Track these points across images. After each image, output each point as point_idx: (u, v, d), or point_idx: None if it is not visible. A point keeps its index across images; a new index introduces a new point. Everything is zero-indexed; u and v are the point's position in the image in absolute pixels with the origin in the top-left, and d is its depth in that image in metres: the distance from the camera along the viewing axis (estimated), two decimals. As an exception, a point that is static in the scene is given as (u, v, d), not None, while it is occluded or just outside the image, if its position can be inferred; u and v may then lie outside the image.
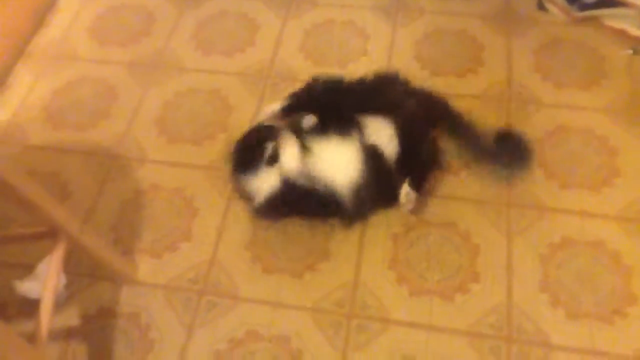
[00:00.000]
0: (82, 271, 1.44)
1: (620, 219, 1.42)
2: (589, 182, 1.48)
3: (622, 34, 1.72)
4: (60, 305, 1.37)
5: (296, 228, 1.47)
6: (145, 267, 1.45)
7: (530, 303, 1.32)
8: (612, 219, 1.42)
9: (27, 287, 1.31)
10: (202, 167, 1.59)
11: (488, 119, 1.60)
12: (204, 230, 1.49)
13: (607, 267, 1.35)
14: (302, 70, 1.75)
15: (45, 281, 1.15)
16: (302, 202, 1.41)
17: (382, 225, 1.46)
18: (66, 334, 1.37)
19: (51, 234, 1.19)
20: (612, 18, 1.73)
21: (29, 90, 1.82)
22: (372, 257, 1.42)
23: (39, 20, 1.98)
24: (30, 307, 1.22)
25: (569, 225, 1.42)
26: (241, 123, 1.64)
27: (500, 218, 1.44)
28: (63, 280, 1.35)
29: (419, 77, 1.69)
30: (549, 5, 1.80)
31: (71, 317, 1.38)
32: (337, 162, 1.38)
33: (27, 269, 1.34)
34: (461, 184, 1.50)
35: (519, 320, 1.30)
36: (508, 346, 1.27)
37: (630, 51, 1.69)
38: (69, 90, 1.81)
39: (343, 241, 1.44)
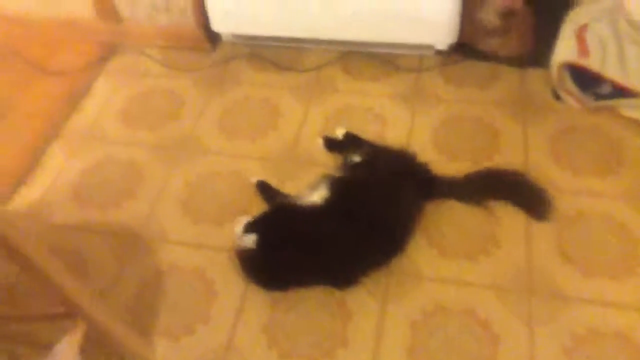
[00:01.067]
0: (98, 352, 1.43)
1: (644, 310, 1.39)
2: (611, 270, 1.46)
3: (636, 123, 1.75)
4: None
5: (315, 312, 1.46)
6: (162, 350, 1.44)
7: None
8: (635, 309, 1.39)
9: (43, 368, 1.31)
10: (223, 249, 1.61)
11: (504, 206, 1.61)
12: (223, 313, 1.49)
13: (632, 358, 1.31)
14: (321, 155, 1.80)
15: (62, 363, 1.15)
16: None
17: (400, 312, 1.44)
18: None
19: (70, 314, 1.20)
20: (627, 108, 1.77)
21: (60, 170, 1.89)
22: (391, 344, 1.39)
23: (74, 104, 2.09)
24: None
25: (592, 315, 1.39)
26: (263, 206, 1.67)
27: (520, 307, 1.42)
28: (79, 361, 1.34)
29: (437, 162, 1.71)
30: (564, 95, 1.85)
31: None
32: None
33: (46, 349, 1.33)
34: (480, 270, 1.49)
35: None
36: None
37: (645, 140, 1.72)
38: (97, 170, 1.87)
39: (360, 328, 1.42)
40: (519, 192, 1.64)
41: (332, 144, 1.81)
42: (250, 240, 1.48)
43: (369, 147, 1.73)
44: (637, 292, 1.42)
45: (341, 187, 1.55)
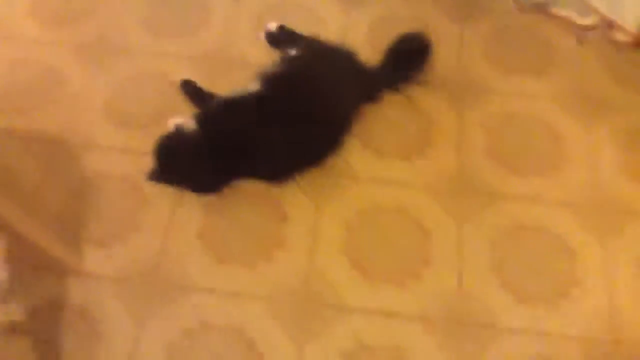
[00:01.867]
0: (26, 263, 1.38)
1: (567, 204, 1.46)
2: (538, 168, 1.52)
3: (569, 24, 1.76)
4: (6, 298, 1.31)
5: (250, 214, 1.46)
6: (93, 258, 1.40)
7: (480, 286, 1.35)
8: (559, 204, 1.46)
9: (-34, 281, 1.26)
10: (151, 154, 1.54)
11: (439, 105, 1.62)
12: (155, 220, 1.45)
13: (553, 250, 1.40)
14: (254, 56, 1.72)
15: (-15, 276, 1.10)
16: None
17: (335, 212, 1.46)
18: (11, 329, 1.31)
19: (-9, 226, 1.14)
20: (560, 7, 1.77)
21: (-35, 72, 1.72)
22: (326, 244, 1.42)
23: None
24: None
25: (518, 210, 1.45)
26: (192, 106, 1.60)
27: (451, 204, 1.46)
28: (3, 273, 1.29)
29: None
30: (500, -7, 1.82)
31: (15, 311, 1.33)
32: None
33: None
34: (413, 170, 1.52)
35: (470, 302, 1.33)
36: (457, 329, 1.30)
37: (576, 41, 1.73)
38: (10, 72, 1.72)
39: (296, 230, 1.44)
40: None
41: (273, 38, 1.72)
42: (190, 124, 1.43)
43: (307, 42, 1.66)
44: (561, 188, 1.49)
45: (277, 81, 1.48)
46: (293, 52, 1.58)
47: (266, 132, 1.43)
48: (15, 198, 1.48)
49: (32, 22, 1.82)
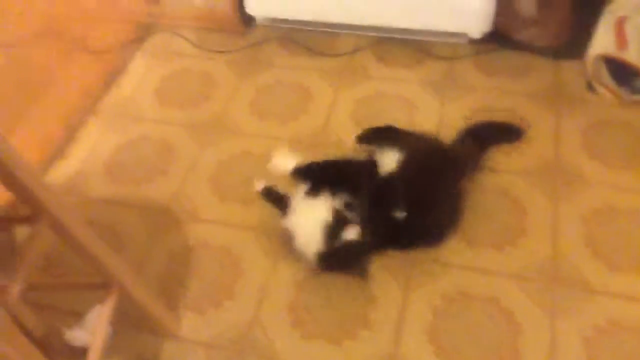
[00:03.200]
0: (128, 322, 1.48)
1: (671, 307, 1.38)
2: (639, 265, 1.45)
3: (672, 119, 1.73)
4: (104, 355, 1.40)
5: (339, 293, 1.49)
6: (188, 323, 1.48)
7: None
8: (662, 305, 1.38)
9: (75, 335, 1.36)
10: (250, 228, 1.64)
11: (535, 194, 1.61)
12: (248, 290, 1.52)
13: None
14: (350, 139, 1.81)
15: (94, 331, 1.19)
16: None
17: (423, 296, 1.46)
18: (108, 384, 1.40)
19: (105, 284, 1.25)
20: (663, 102, 1.74)
21: (95, 145, 1.94)
22: (412, 327, 1.41)
23: (110, 81, 2.14)
24: (76, 355, 1.26)
25: (616, 309, 1.38)
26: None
27: (544, 297, 1.42)
28: (110, 330, 1.39)
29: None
30: (599, 87, 1.82)
31: (114, 367, 1.42)
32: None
33: (77, 317, 1.39)
34: (505, 259, 1.50)
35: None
36: None
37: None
38: (130, 146, 1.92)
39: (383, 311, 1.45)
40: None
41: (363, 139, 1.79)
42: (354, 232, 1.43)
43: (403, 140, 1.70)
44: (664, 288, 1.41)
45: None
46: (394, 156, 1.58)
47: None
48: (124, 260, 1.61)
49: (156, 104, 2.04)
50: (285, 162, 1.66)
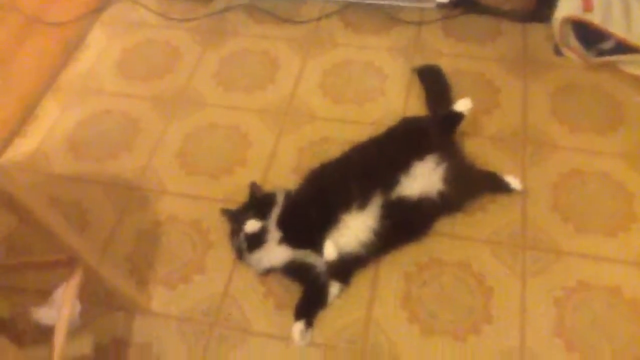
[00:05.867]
0: (97, 300, 1.45)
1: (637, 264, 1.40)
2: (606, 226, 1.47)
3: (638, 81, 1.74)
4: (74, 332, 1.38)
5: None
6: (159, 298, 1.46)
7: (543, 348, 1.30)
8: (628, 264, 1.40)
9: (42, 313, 1.33)
10: (219, 201, 1.62)
11: (504, 160, 1.61)
12: (219, 263, 1.50)
13: (623, 312, 1.34)
14: (319, 109, 1.79)
15: (60, 309, 1.16)
16: None
17: (395, 264, 1.46)
18: (79, 362, 1.38)
19: (69, 262, 1.22)
20: (629, 64, 1.75)
21: (55, 122, 1.87)
22: (385, 295, 1.41)
23: (68, 55, 2.06)
24: (44, 334, 1.23)
25: (584, 269, 1.41)
26: (259, 158, 1.67)
27: (515, 260, 1.43)
28: (78, 308, 1.36)
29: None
30: (565, 51, 1.83)
31: (84, 345, 1.39)
32: None
33: (44, 296, 1.36)
34: (476, 225, 1.50)
35: (533, 365, 1.28)
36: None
37: (646, 97, 1.70)
38: (93, 122, 1.86)
39: (356, 278, 1.44)
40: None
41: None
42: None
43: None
44: (629, 248, 1.43)
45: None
46: None
47: None
48: (90, 238, 1.58)
49: (118, 78, 1.98)
50: None
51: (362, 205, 1.38)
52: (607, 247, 1.44)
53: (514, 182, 1.54)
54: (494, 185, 1.55)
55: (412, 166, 1.43)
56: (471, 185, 1.53)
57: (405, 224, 1.43)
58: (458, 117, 1.57)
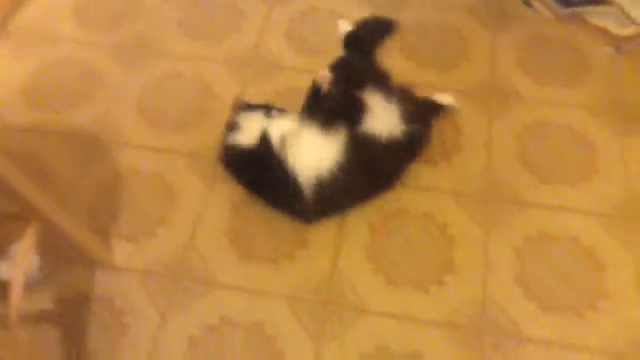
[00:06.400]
0: (57, 255, 1.42)
1: (597, 215, 1.43)
2: (568, 177, 1.49)
3: (604, 33, 1.73)
4: (33, 287, 1.35)
5: (275, 215, 1.47)
6: (121, 252, 1.43)
7: (505, 296, 1.33)
8: (588, 214, 1.43)
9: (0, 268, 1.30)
10: (183, 153, 1.58)
11: (470, 112, 1.61)
12: (182, 216, 1.48)
13: (581, 261, 1.37)
14: (286, 58, 1.75)
15: (15, 262, 1.13)
16: (263, 173, 1.43)
17: (360, 215, 1.46)
18: (39, 317, 1.35)
19: (25, 215, 1.18)
20: (596, 16, 1.74)
21: (7, 71, 1.79)
22: (350, 245, 1.42)
23: (21, -1, 1.96)
24: (2, 289, 1.20)
25: (546, 219, 1.43)
26: (224, 110, 1.63)
27: (477, 210, 1.45)
28: (37, 262, 1.33)
29: (405, 69, 1.69)
30: (534, 2, 1.81)
31: (45, 301, 1.37)
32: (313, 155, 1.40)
33: (1, 251, 1.32)
34: (440, 176, 1.51)
35: (493, 312, 1.31)
36: (481, 338, 1.28)
37: (611, 50, 1.70)
38: (49, 71, 1.78)
39: (321, 230, 1.44)
40: None
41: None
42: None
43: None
44: (589, 198, 1.46)
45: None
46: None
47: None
48: (49, 191, 1.53)
49: (74, 24, 1.89)
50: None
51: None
52: (568, 197, 1.46)
53: (445, 99, 1.59)
54: (435, 109, 1.59)
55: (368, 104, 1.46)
56: (424, 116, 1.54)
57: (373, 165, 1.43)
58: (438, 107, 1.60)
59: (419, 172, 1.51)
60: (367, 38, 1.73)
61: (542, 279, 1.35)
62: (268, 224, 1.46)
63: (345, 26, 1.76)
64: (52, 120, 1.68)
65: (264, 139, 1.39)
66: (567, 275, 1.35)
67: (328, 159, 1.39)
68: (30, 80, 1.76)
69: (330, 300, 1.34)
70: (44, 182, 1.55)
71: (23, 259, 1.13)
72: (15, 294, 1.09)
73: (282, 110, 1.51)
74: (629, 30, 1.71)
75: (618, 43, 1.71)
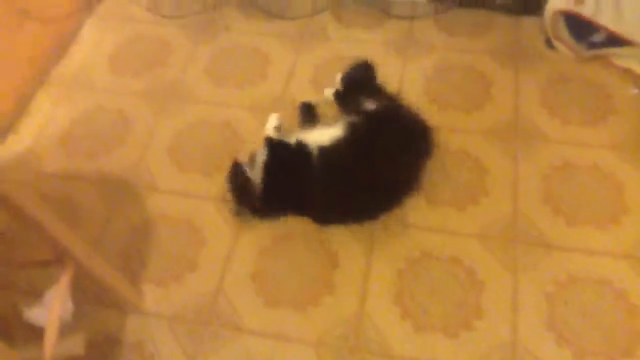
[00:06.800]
0: (89, 298, 1.45)
1: (627, 257, 1.41)
2: (596, 219, 1.48)
3: (629, 73, 1.73)
4: (66, 331, 1.38)
5: (303, 259, 1.48)
6: (151, 296, 1.46)
7: (535, 342, 1.31)
8: (619, 257, 1.41)
9: (34, 313, 1.33)
10: (211, 198, 1.61)
11: (495, 153, 1.61)
12: (211, 261, 1.50)
13: (613, 305, 1.34)
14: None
15: (51, 308, 1.16)
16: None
17: (387, 259, 1.46)
18: (71, 361, 1.38)
19: (60, 260, 1.21)
20: (620, 57, 1.75)
21: (47, 119, 1.87)
22: (377, 291, 1.42)
23: (61, 51, 2.05)
24: (36, 333, 1.23)
25: (575, 263, 1.41)
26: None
27: (506, 255, 1.44)
28: (70, 307, 1.35)
29: (428, 111, 1.70)
30: (557, 44, 1.82)
31: (77, 344, 1.39)
32: None
33: (37, 296, 1.35)
34: (467, 218, 1.51)
35: (524, 358, 1.29)
36: (512, 385, 1.26)
37: (637, 90, 1.70)
38: (85, 118, 1.85)
39: (347, 274, 1.45)
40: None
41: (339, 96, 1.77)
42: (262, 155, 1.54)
43: (383, 96, 1.68)
44: (620, 240, 1.43)
45: (358, 132, 1.52)
46: (371, 105, 1.60)
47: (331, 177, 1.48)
48: (82, 235, 1.58)
49: (109, 72, 1.97)
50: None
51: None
52: (597, 240, 1.44)
53: None
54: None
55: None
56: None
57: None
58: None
59: (445, 215, 1.51)
60: (356, 87, 1.74)
61: (574, 324, 1.32)
62: (294, 268, 1.47)
63: (329, 92, 1.78)
64: (86, 166, 1.74)
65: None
66: (599, 319, 1.33)
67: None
68: (68, 128, 1.83)
69: (357, 347, 1.34)
70: (76, 227, 1.60)
71: (58, 304, 1.16)
72: (50, 340, 1.11)
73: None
74: (653, 70, 1.72)
75: (643, 83, 1.71)
